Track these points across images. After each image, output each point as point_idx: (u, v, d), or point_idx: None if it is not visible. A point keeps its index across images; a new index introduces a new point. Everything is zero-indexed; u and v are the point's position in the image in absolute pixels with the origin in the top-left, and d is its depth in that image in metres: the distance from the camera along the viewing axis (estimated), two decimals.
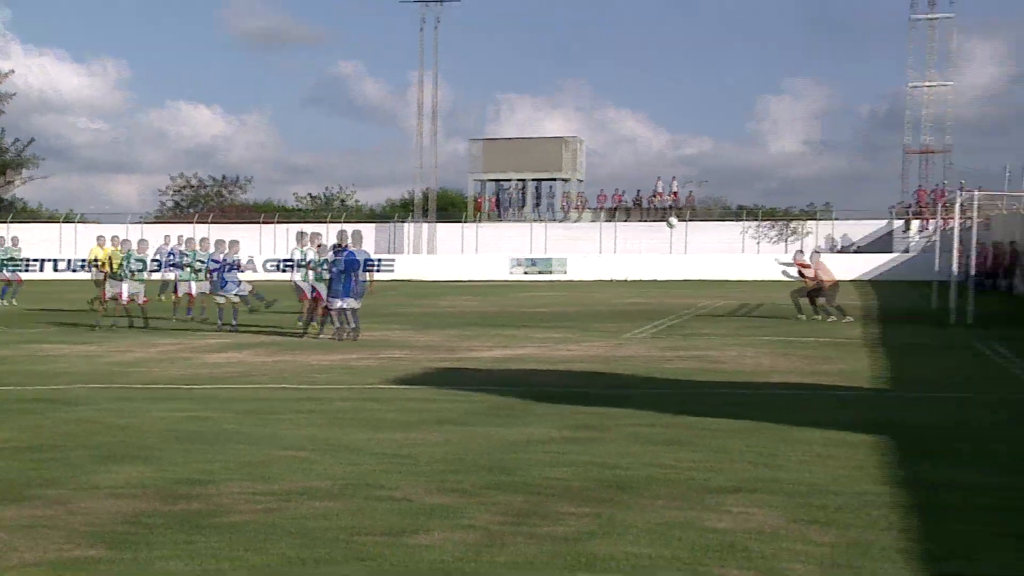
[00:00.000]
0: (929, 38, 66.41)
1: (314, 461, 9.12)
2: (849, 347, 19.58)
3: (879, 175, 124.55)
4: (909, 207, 61.17)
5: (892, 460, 9.19)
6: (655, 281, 52.38)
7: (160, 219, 77.05)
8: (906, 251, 56.40)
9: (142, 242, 25.66)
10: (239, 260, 24.13)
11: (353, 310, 21.21)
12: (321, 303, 21.65)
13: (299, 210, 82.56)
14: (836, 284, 26.45)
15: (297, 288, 23.01)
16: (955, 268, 28.48)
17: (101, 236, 28.19)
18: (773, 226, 61.26)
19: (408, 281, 53.23)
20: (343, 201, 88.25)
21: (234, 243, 24.63)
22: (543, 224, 63.93)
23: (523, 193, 68.87)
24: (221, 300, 23.74)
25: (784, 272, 27.39)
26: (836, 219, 62.23)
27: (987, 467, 8.94)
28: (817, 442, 9.91)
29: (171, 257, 27.94)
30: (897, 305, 33.03)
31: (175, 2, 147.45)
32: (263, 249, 60.73)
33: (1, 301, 31.36)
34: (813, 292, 26.06)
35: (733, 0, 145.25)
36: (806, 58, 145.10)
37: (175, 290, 27.04)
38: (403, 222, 66.24)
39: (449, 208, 72.20)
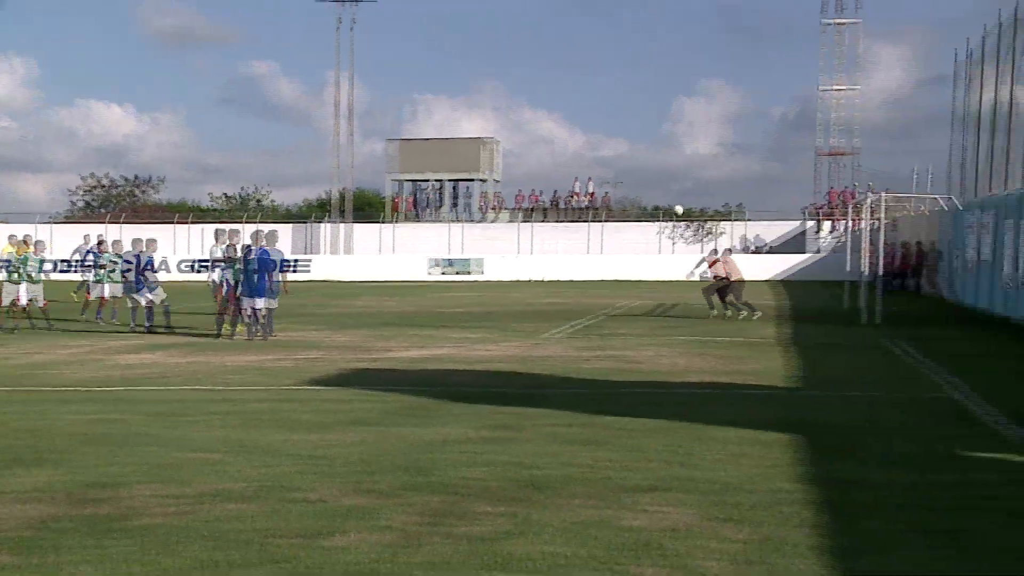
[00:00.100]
0: (838, 43, 67.55)
1: (228, 463, 9.01)
2: (763, 346, 19.82)
3: (791, 177, 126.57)
4: (820, 208, 62.13)
5: (805, 458, 9.31)
6: (572, 281, 52.59)
7: (71, 219, 75.56)
8: (817, 251, 57.26)
9: (39, 243, 24.97)
10: (153, 259, 23.71)
11: (269, 310, 21.06)
12: (248, 305, 21.37)
13: (214, 210, 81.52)
14: (743, 281, 27.16)
15: (214, 286, 22.72)
16: (865, 269, 28.99)
17: (13, 235, 27.52)
18: (689, 226, 61.86)
19: (325, 282, 52.94)
20: (259, 201, 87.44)
21: (151, 242, 24.25)
22: (460, 225, 63.85)
23: (440, 193, 68.73)
24: (139, 301, 23.22)
25: (696, 274, 27.93)
26: (749, 220, 63.00)
27: (897, 465, 9.09)
28: (731, 441, 10.01)
29: (88, 256, 27.43)
30: (809, 305, 33.52)
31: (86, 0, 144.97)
32: (177, 250, 60.14)
33: None
34: (722, 289, 26.71)
35: (648, 3, 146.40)
36: (721, 61, 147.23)
37: (88, 290, 26.52)
38: (320, 222, 65.72)
39: (366, 208, 71.84)
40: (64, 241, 50.17)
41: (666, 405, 12.43)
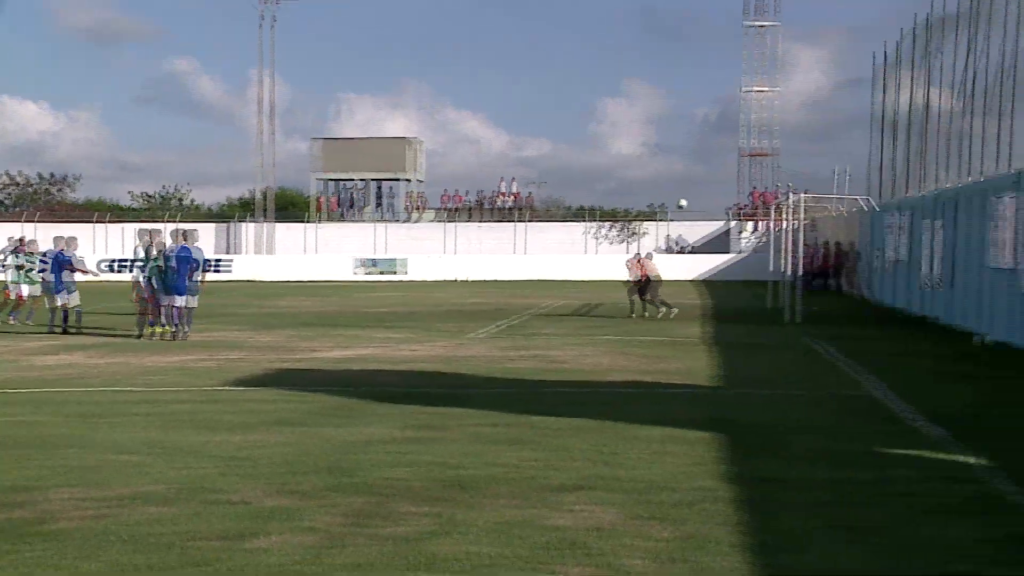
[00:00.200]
0: (759, 45, 68.26)
1: (148, 465, 8.88)
2: (686, 346, 19.98)
3: (715, 177, 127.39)
4: (743, 209, 62.76)
5: (728, 456, 9.39)
6: (498, 281, 52.59)
7: None
8: (740, 252, 57.85)
9: None
10: (71, 257, 23.30)
11: (189, 309, 20.86)
12: (167, 304, 21.06)
13: (134, 209, 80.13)
14: (660, 280, 27.66)
15: (136, 286, 22.36)
16: (788, 269, 29.33)
17: None
18: (613, 226, 62.15)
19: (248, 282, 52.43)
20: (180, 200, 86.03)
21: (72, 239, 23.90)
22: (385, 224, 63.55)
23: (365, 193, 68.36)
24: (59, 301, 22.75)
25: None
26: (671, 220, 63.41)
27: (817, 462, 9.20)
28: (656, 439, 10.06)
29: (2, 256, 26.83)
30: (732, 305, 33.87)
31: None
32: (96, 249, 59.06)
33: None
34: (642, 289, 27.23)
35: (572, 3, 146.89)
36: (645, 62, 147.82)
37: (7, 289, 25.95)
38: (242, 222, 65.03)
39: (290, 208, 71.15)
40: None
41: (590, 404, 12.48)
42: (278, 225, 63.80)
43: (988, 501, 7.90)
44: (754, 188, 66.15)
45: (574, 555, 6.39)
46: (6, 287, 26.00)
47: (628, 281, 27.83)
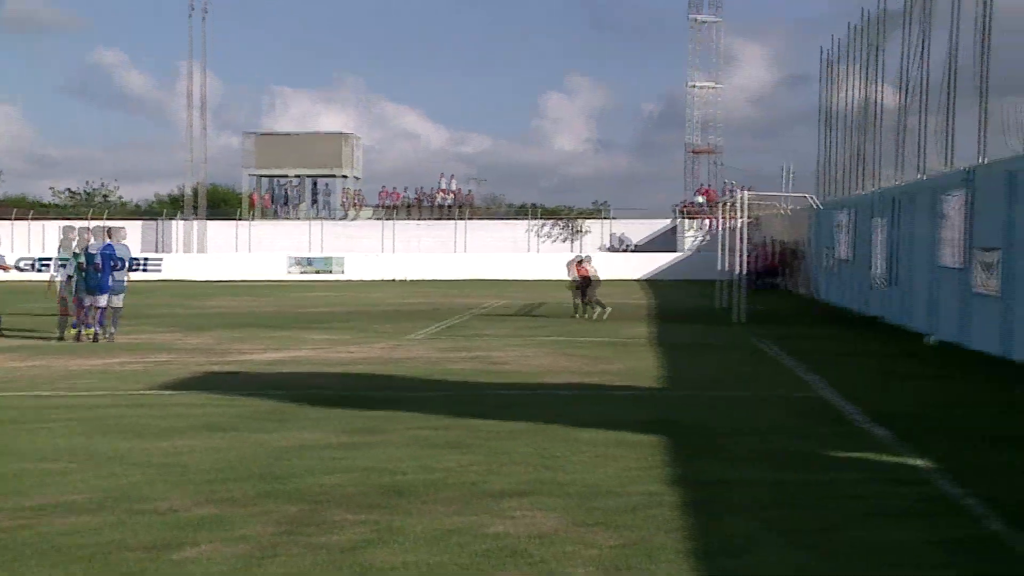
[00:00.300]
0: (704, 40, 68.26)
1: (71, 473, 8.60)
2: (630, 346, 19.89)
3: (660, 174, 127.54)
4: (689, 206, 62.68)
5: (672, 459, 9.26)
6: (438, 281, 52.43)
7: None
8: (688, 250, 57.96)
9: None
10: None
11: (115, 309, 20.47)
12: (90, 304, 20.60)
13: (56, 205, 78.67)
14: (599, 280, 27.81)
15: (58, 285, 21.82)
16: (736, 267, 29.31)
17: None
18: (556, 224, 62.10)
19: (178, 281, 51.81)
20: (105, 196, 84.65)
21: None
22: (321, 222, 63.05)
23: (300, 190, 67.74)
24: None
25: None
26: (614, 218, 63.53)
27: (763, 464, 9.11)
28: (598, 443, 9.92)
29: None
30: (679, 304, 33.94)
31: None
32: (16, 247, 57.59)
33: None
34: (583, 289, 27.35)
35: None
36: (588, 57, 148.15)
37: None
38: (172, 219, 64.15)
39: (222, 205, 70.35)
40: None
41: (532, 407, 12.32)
42: (209, 223, 62.98)
43: (934, 503, 7.84)
44: (701, 185, 66.17)
45: (516, 563, 6.24)
46: None
47: (571, 281, 27.91)
